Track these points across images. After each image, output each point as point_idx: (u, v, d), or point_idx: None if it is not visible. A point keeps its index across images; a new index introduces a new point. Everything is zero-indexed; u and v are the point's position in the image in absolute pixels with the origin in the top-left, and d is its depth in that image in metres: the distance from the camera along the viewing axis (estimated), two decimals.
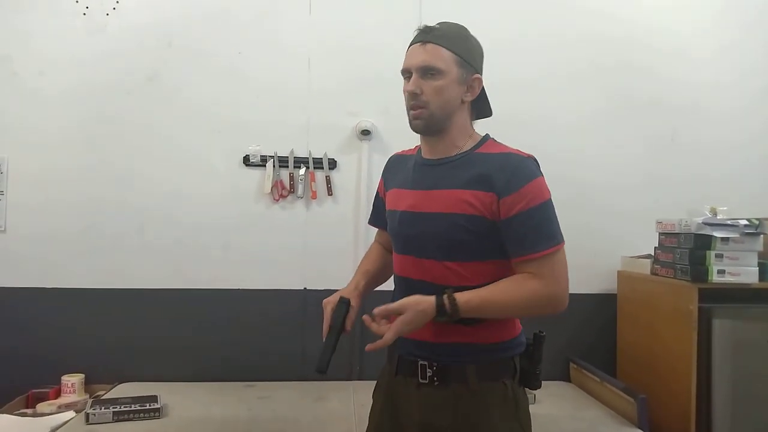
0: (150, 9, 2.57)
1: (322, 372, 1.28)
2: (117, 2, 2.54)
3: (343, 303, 1.37)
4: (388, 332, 1.26)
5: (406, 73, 1.37)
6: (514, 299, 1.29)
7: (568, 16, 2.73)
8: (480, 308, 1.28)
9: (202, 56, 2.58)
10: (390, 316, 1.29)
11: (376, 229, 1.65)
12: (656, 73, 2.76)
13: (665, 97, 2.77)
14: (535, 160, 1.35)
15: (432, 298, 1.27)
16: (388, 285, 1.53)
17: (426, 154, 1.43)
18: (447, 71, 1.32)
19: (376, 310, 1.29)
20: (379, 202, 1.60)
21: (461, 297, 1.27)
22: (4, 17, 2.51)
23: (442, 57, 1.32)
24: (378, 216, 1.60)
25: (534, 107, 2.67)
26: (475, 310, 1.28)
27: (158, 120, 2.56)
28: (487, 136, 1.42)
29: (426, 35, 1.34)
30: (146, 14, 2.56)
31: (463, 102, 1.37)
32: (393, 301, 1.35)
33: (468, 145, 1.38)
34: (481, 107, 1.43)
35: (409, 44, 1.40)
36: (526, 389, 1.42)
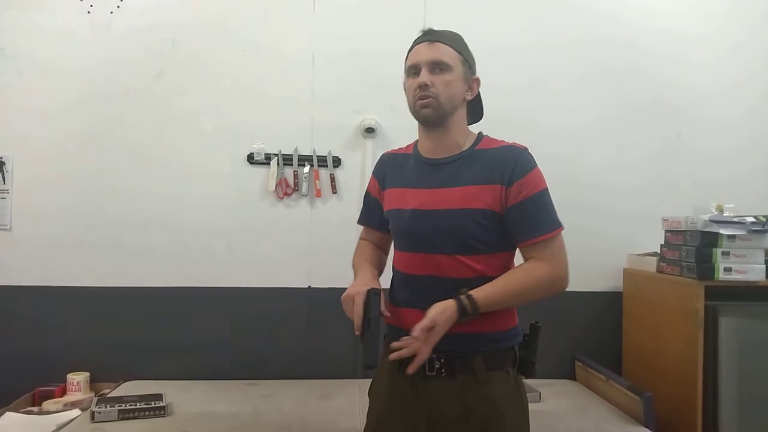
0: (154, 7, 2.57)
1: (374, 367, 1.26)
2: (121, 1, 2.54)
3: (375, 293, 1.34)
4: (425, 347, 1.27)
5: (414, 69, 1.41)
6: (524, 286, 1.36)
7: (574, 20, 2.72)
8: (496, 301, 1.33)
9: (206, 55, 2.59)
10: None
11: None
12: (662, 77, 2.75)
13: (671, 101, 2.76)
14: (529, 151, 1.42)
15: (453, 303, 1.30)
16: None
17: (428, 154, 1.47)
18: (454, 67, 1.41)
19: (416, 333, 1.28)
20: (371, 202, 1.60)
21: (478, 294, 1.31)
22: (7, 16, 2.52)
23: (450, 54, 1.41)
24: (370, 215, 1.61)
25: (541, 111, 2.66)
26: (492, 304, 1.33)
27: (162, 118, 2.57)
28: (481, 134, 1.49)
29: (433, 35, 1.42)
30: (150, 13, 2.56)
31: (464, 100, 1.45)
32: (391, 297, 1.44)
33: (468, 144, 1.45)
34: (475, 110, 1.51)
35: (412, 44, 1.45)
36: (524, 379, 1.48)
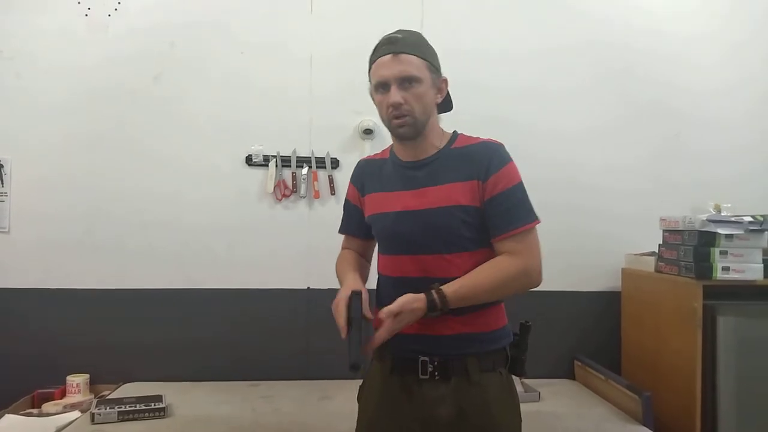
0: (152, 10, 2.57)
1: (357, 369, 1.24)
2: (119, 3, 2.55)
3: (356, 295, 1.33)
4: (381, 332, 1.28)
5: (383, 86, 1.38)
6: (496, 279, 1.34)
7: (574, 23, 2.73)
8: (467, 295, 1.32)
9: (204, 57, 2.59)
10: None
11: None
12: (661, 77, 2.76)
13: (670, 101, 2.76)
14: (504, 147, 1.41)
15: (422, 296, 1.30)
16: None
17: (405, 157, 1.46)
18: (423, 78, 1.37)
19: (382, 316, 1.29)
20: (351, 209, 1.59)
21: (448, 289, 1.30)
22: (5, 18, 2.52)
23: (416, 65, 1.36)
24: (350, 223, 1.60)
25: (541, 113, 2.67)
26: (463, 298, 1.32)
27: (161, 120, 2.57)
28: (456, 132, 1.47)
29: (395, 46, 1.37)
30: (148, 15, 2.56)
31: (435, 104, 1.43)
32: (379, 302, 1.43)
33: (443, 143, 1.44)
34: (444, 104, 1.48)
35: (373, 56, 1.43)
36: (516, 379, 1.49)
